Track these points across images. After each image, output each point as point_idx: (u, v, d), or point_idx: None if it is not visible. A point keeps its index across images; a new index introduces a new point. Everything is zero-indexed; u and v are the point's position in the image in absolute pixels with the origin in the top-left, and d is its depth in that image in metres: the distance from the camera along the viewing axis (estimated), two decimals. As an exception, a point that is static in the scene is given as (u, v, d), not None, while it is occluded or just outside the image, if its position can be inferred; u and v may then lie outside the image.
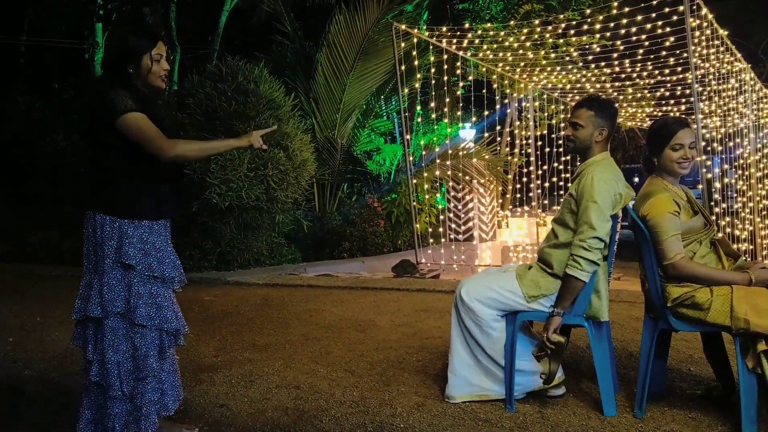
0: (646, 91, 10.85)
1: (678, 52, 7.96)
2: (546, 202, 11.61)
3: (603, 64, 9.62)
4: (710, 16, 7.00)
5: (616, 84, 10.44)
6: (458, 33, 8.85)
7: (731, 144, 9.58)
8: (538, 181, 11.74)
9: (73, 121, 11.33)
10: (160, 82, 2.67)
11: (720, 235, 3.12)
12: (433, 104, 10.08)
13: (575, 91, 11.39)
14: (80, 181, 9.42)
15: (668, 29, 7.43)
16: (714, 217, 7.61)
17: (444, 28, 8.78)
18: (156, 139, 2.53)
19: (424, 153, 10.78)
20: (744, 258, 3.10)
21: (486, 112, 10.44)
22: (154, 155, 2.54)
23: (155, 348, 2.61)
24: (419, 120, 13.17)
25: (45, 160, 10.99)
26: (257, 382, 3.58)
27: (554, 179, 11.18)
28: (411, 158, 9.27)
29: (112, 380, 2.53)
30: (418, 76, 9.26)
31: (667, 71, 9.08)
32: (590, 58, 9.64)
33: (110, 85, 2.58)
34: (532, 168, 11.63)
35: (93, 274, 2.61)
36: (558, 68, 10.51)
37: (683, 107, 11.27)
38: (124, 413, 2.58)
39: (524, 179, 11.76)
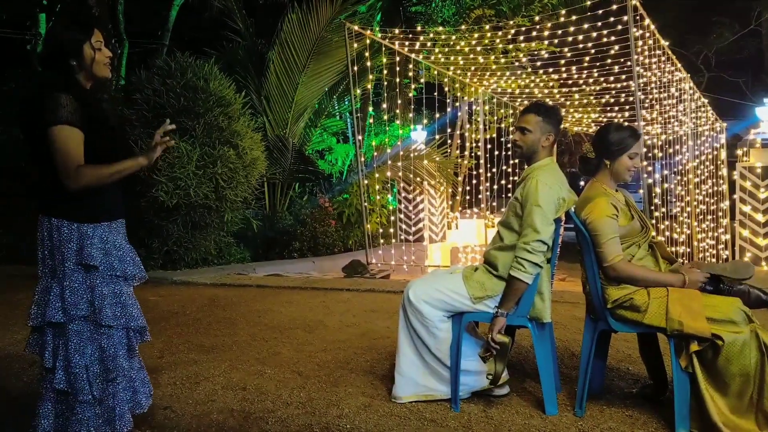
0: (591, 98, 11.16)
1: (622, 60, 8.22)
2: (495, 204, 11.81)
3: (551, 70, 9.85)
4: (652, 27, 7.25)
5: (564, 90, 10.70)
6: (411, 35, 8.92)
7: (671, 150, 9.95)
8: (487, 183, 11.93)
9: (12, 115, 10.92)
10: (105, 70, 2.58)
11: (658, 238, 3.24)
12: (385, 105, 10.12)
13: (524, 95, 11.62)
14: (20, 177, 9.08)
15: (613, 38, 7.66)
16: (654, 221, 7.88)
17: (397, 30, 8.83)
18: (68, 167, 2.40)
19: (375, 154, 10.82)
20: (681, 261, 3.23)
21: (437, 115, 10.55)
22: (62, 177, 2.41)
23: (123, 347, 2.57)
24: (371, 121, 13.21)
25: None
26: (203, 383, 3.54)
27: (503, 182, 11.38)
28: (363, 159, 9.29)
29: (81, 385, 2.47)
30: (371, 77, 9.30)
31: (611, 78, 9.36)
32: (539, 64, 9.86)
33: (50, 85, 2.46)
34: (481, 170, 11.81)
35: (51, 278, 2.51)
36: (507, 73, 10.71)
37: (627, 114, 11.63)
38: (94, 417, 2.52)
39: (474, 181, 11.94)
